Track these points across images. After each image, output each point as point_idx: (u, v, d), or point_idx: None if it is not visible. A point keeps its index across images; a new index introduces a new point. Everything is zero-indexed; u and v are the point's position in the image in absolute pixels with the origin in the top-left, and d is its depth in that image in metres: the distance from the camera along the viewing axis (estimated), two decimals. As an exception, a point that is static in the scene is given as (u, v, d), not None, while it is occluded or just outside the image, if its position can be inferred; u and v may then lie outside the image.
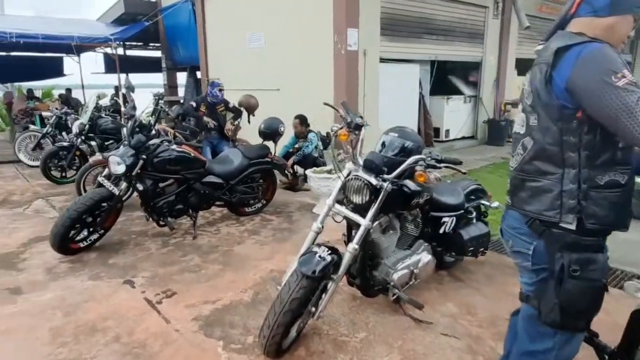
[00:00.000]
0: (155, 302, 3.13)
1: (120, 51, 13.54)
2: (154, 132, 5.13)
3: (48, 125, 8.32)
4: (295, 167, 6.30)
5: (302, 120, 6.24)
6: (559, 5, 11.65)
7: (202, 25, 10.07)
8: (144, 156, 3.88)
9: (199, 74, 12.38)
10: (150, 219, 4.20)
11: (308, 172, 5.13)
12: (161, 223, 4.20)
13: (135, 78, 16.98)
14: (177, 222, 4.65)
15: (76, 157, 6.97)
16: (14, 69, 13.34)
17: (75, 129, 6.79)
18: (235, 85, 9.32)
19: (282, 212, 5.24)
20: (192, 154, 4.20)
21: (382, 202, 2.42)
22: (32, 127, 9.01)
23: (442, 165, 2.32)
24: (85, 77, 14.13)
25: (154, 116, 5.38)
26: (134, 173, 3.86)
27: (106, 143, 7.04)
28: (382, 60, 7.55)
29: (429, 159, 2.35)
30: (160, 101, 5.27)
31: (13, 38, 9.21)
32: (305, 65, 7.62)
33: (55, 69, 14.40)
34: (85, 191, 5.34)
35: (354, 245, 2.41)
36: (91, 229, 4.01)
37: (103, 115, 7.24)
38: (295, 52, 7.81)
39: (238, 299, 3.16)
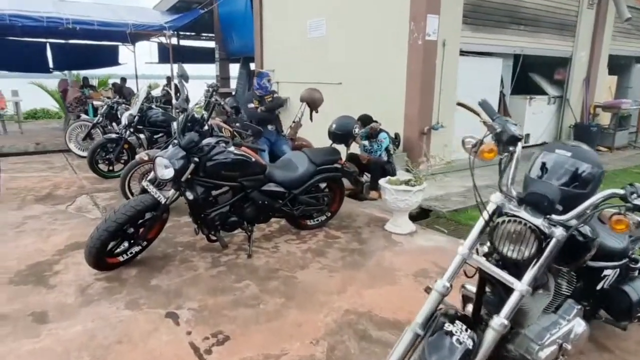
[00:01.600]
0: (204, 350, 2.45)
1: (174, 41, 13.28)
2: (206, 127, 4.52)
3: (99, 115, 8.00)
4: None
5: (363, 120, 5.39)
6: (660, -5, 10.13)
7: (258, 13, 9.45)
8: (196, 159, 3.22)
9: (252, 66, 11.85)
10: (200, 232, 3.54)
11: (382, 182, 4.33)
12: (212, 238, 3.54)
13: (187, 69, 16.80)
14: (229, 235, 3.99)
15: (124, 150, 6.54)
16: (71, 57, 13.37)
17: (124, 120, 6.36)
18: (291, 78, 8.66)
19: (348, 227, 4.47)
20: (253, 158, 3.50)
21: (550, 256, 1.59)
22: (83, 116, 8.77)
23: (659, 207, 1.46)
24: (140, 66, 14.04)
25: (207, 110, 4.75)
26: (183, 179, 3.21)
27: (155, 136, 6.56)
28: (462, 52, 6.59)
29: (634, 196, 1.49)
30: (214, 93, 4.64)
31: (69, 24, 8.99)
32: (373, 56, 6.79)
33: (110, 58, 14.34)
34: (130, 190, 4.82)
35: (502, 320, 1.58)
36: (132, 241, 3.41)
37: (153, 106, 6.78)
38: (361, 42, 6.99)
39: (309, 355, 2.42)
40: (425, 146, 6.27)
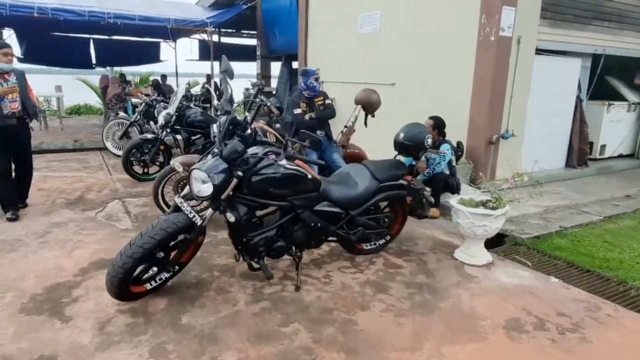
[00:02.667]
0: None
1: (214, 38, 12.97)
2: (249, 131, 3.97)
3: (136, 113, 7.68)
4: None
5: (437, 123, 4.72)
6: None
7: (304, 8, 8.88)
8: (239, 173, 2.64)
9: (294, 64, 11.33)
10: (241, 258, 2.97)
11: (453, 202, 3.64)
12: (255, 266, 2.97)
13: (228, 67, 16.48)
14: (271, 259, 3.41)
15: (160, 152, 6.14)
16: (113, 53, 13.30)
17: (160, 119, 5.92)
18: (338, 78, 8.04)
19: (410, 253, 3.81)
20: (308, 174, 2.90)
21: None
22: (121, 114, 8.49)
23: None
24: (180, 64, 13.84)
25: (251, 112, 4.21)
26: (223, 196, 2.65)
27: (193, 137, 6.11)
28: (538, 51, 5.77)
29: None
30: (259, 93, 4.09)
31: (110, 19, 8.74)
32: (434, 54, 6.07)
33: (152, 55, 14.23)
34: (164, 200, 4.34)
35: None
36: (162, 266, 2.89)
37: (192, 105, 6.34)
38: (420, 38, 6.28)
39: None
40: (493, 157, 5.51)
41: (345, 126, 4.79)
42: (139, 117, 7.55)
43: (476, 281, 3.33)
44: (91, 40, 13.00)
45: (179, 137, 6.14)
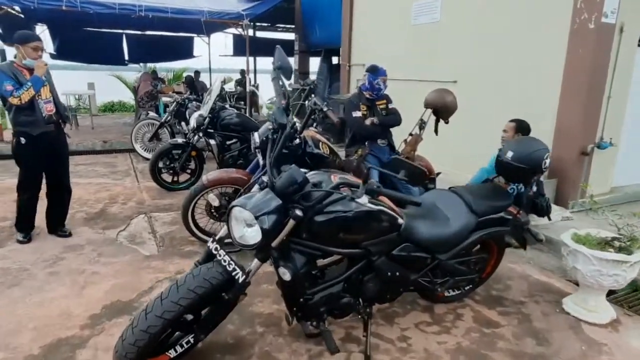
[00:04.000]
0: None
1: (249, 32, 12.33)
2: (297, 141, 3.22)
3: (167, 113, 7.08)
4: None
5: (520, 126, 3.79)
6: None
7: (349, -2, 8.06)
8: (298, 212, 1.86)
9: (334, 59, 10.54)
10: (294, 321, 2.21)
11: (566, 239, 2.75)
12: (314, 331, 2.19)
13: (262, 63, 15.83)
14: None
15: (191, 158, 5.48)
16: (145, 49, 12.91)
17: (192, 122, 5.24)
18: (387, 75, 7.18)
19: (504, 302, 2.95)
20: (398, 216, 2.10)
21: None
22: (151, 114, 7.93)
23: None
24: (213, 60, 13.30)
25: (299, 117, 3.45)
26: (275, 243, 1.88)
27: (228, 142, 5.39)
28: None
29: None
30: (312, 93, 3.31)
31: (142, 11, 8.18)
32: (507, 47, 5.12)
33: (185, 50, 13.74)
34: (195, 222, 3.63)
35: None
36: (188, 330, 2.17)
37: (227, 106, 5.64)
38: (490, 28, 5.35)
39: None
40: (586, 171, 4.55)
41: (410, 134, 3.94)
42: (169, 117, 6.96)
43: (607, 351, 2.45)
44: (124, 36, 12.64)
45: (212, 141, 5.45)
